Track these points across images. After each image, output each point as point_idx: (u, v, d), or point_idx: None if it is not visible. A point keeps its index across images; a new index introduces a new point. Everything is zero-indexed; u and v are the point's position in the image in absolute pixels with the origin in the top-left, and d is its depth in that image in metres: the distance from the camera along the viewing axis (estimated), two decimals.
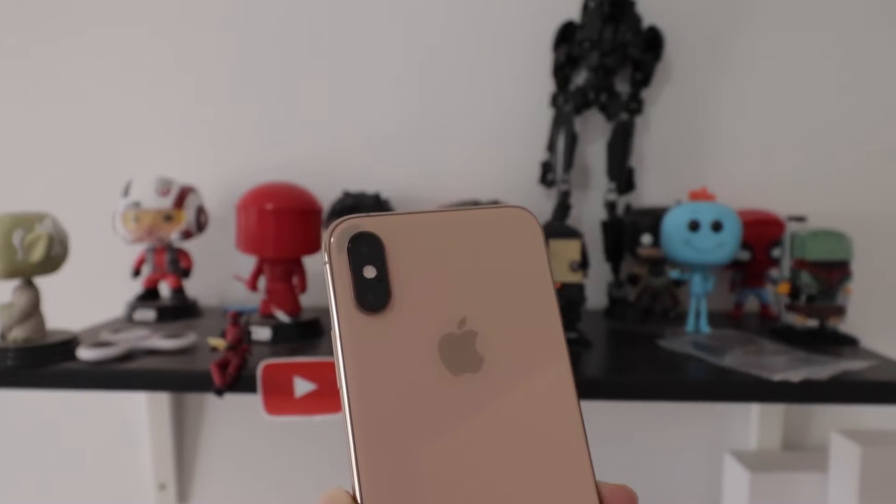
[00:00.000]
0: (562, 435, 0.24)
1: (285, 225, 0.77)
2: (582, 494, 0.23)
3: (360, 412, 0.23)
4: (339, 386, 0.23)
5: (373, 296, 0.24)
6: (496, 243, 0.26)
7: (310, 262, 0.82)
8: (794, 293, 0.77)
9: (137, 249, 0.93)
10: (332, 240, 0.25)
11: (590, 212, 0.97)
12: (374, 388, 0.23)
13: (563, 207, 0.89)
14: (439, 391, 0.24)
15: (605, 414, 0.95)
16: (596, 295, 0.93)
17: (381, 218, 0.25)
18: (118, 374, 0.66)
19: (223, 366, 0.64)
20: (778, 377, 0.62)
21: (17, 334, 0.69)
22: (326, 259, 0.25)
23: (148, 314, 0.88)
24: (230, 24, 0.98)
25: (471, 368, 0.24)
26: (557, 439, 0.24)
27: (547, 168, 0.94)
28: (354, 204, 0.88)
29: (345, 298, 0.24)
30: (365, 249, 0.25)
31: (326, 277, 0.25)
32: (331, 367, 0.63)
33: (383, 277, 0.25)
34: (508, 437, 0.24)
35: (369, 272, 0.24)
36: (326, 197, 0.87)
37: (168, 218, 0.88)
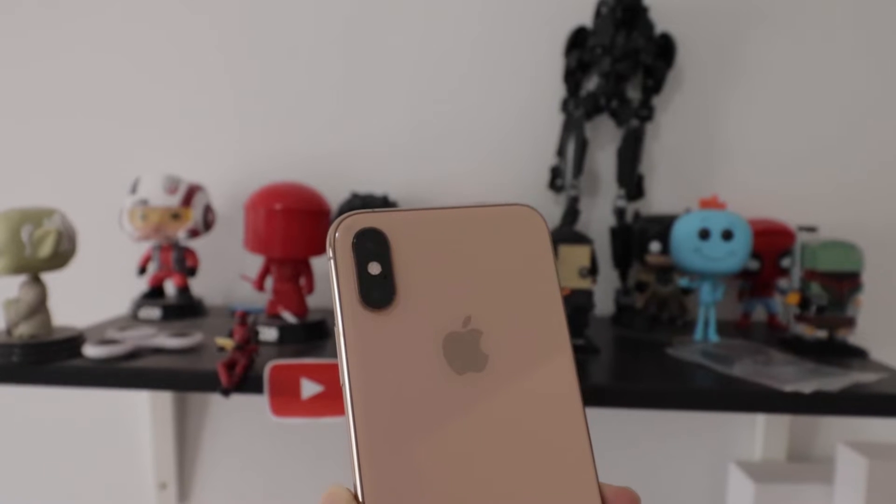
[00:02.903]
0: (565, 435, 0.24)
1: (293, 225, 0.77)
2: (585, 495, 0.23)
3: (363, 409, 0.23)
4: (341, 383, 0.23)
5: (377, 292, 0.24)
6: (502, 241, 0.26)
7: (317, 263, 0.82)
8: (804, 304, 0.77)
9: (144, 247, 0.93)
10: (336, 235, 0.24)
11: (598, 218, 0.96)
12: (377, 386, 0.23)
13: (571, 213, 0.89)
14: (443, 390, 0.23)
15: (610, 421, 0.94)
16: (603, 301, 0.93)
17: (386, 214, 0.25)
18: (124, 372, 0.65)
19: (230, 366, 0.63)
20: (789, 388, 0.62)
21: (24, 330, 0.68)
22: (331, 255, 0.24)
23: (153, 312, 0.88)
24: (242, 23, 0.98)
25: (475, 367, 0.24)
26: (561, 440, 0.24)
27: (556, 173, 0.93)
28: (362, 205, 0.87)
29: (349, 295, 0.24)
30: (370, 245, 0.24)
31: (330, 273, 0.24)
32: (338, 370, 0.63)
33: (388, 274, 0.24)
34: (511, 436, 0.23)
35: (374, 268, 0.24)
36: (335, 198, 0.87)
37: (175, 216, 0.88)
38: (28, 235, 0.66)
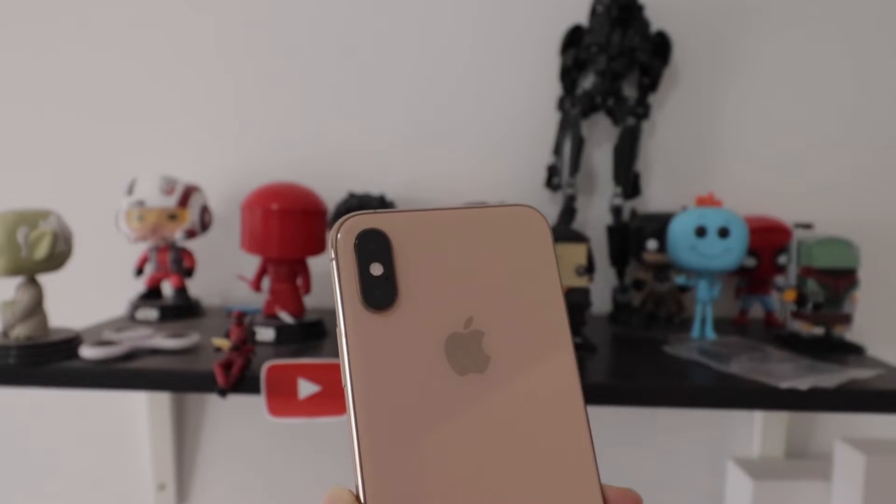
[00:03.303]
0: (567, 437, 0.24)
1: (290, 225, 0.77)
2: (587, 497, 0.23)
3: (365, 410, 0.23)
4: (343, 384, 0.23)
5: (379, 293, 0.24)
6: (504, 242, 0.26)
7: (314, 263, 0.82)
8: (801, 300, 0.77)
9: (140, 248, 0.93)
10: (338, 236, 0.24)
11: (595, 216, 0.96)
12: (380, 387, 0.23)
13: (568, 211, 0.89)
14: (444, 391, 0.23)
15: (607, 419, 0.94)
16: (600, 299, 0.93)
17: (388, 215, 0.25)
18: (121, 373, 0.65)
19: (227, 366, 0.63)
20: (785, 385, 0.62)
21: (20, 332, 0.68)
22: (333, 256, 0.24)
23: (150, 313, 0.88)
24: (239, 24, 0.98)
25: (477, 369, 0.24)
26: (563, 441, 0.24)
27: (553, 172, 0.93)
28: (359, 205, 0.87)
29: (351, 296, 0.24)
30: (372, 246, 0.24)
31: (332, 274, 0.24)
32: (335, 370, 0.63)
33: (390, 275, 0.24)
34: (513, 438, 0.23)
35: (376, 269, 0.24)
36: (331, 198, 0.87)
37: (172, 217, 0.88)
38: (24, 237, 0.66)
